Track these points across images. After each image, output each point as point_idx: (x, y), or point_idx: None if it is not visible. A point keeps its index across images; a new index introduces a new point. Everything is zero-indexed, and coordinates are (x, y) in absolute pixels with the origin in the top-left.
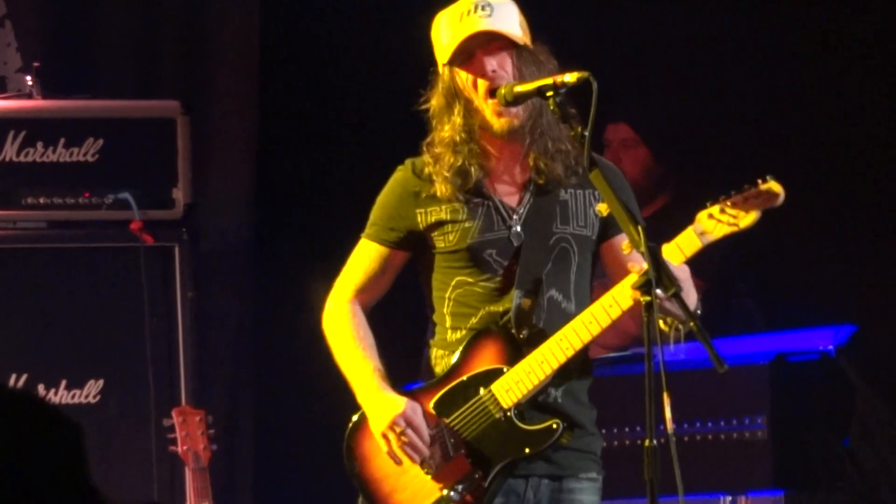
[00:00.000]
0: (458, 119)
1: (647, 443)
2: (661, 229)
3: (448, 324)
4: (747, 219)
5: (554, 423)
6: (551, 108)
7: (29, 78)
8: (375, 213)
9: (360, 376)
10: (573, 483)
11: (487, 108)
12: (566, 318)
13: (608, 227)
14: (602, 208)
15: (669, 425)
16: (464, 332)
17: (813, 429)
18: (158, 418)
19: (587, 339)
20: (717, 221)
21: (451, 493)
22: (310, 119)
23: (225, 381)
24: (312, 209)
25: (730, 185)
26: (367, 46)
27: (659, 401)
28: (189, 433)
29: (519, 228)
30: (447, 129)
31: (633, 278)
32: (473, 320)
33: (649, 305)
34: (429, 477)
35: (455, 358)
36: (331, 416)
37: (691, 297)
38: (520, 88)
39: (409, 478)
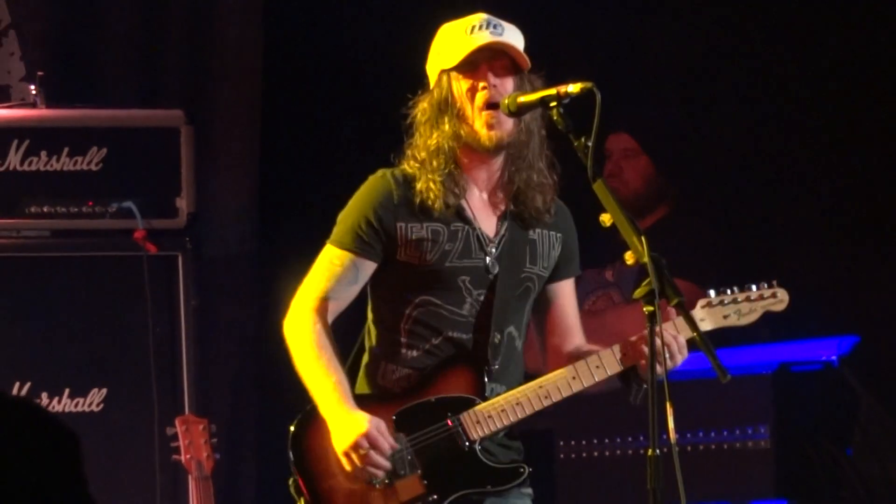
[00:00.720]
0: (447, 127)
1: (650, 452)
2: (662, 239)
3: (403, 340)
4: (750, 317)
5: (521, 467)
6: (555, 118)
7: (33, 87)
8: (349, 220)
9: (321, 390)
10: (514, 499)
11: (479, 119)
12: (517, 354)
13: (560, 269)
14: (605, 218)
15: (672, 435)
16: (421, 352)
17: (815, 439)
18: (161, 427)
19: (567, 394)
20: (720, 315)
21: None
22: (312, 128)
23: (228, 389)
24: (315, 218)
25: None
26: (370, 56)
27: (662, 410)
28: (192, 442)
29: (493, 259)
30: (435, 136)
31: (619, 347)
32: (434, 341)
33: (652, 316)
34: (379, 489)
35: (417, 375)
36: None
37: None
38: (523, 99)
39: (356, 482)
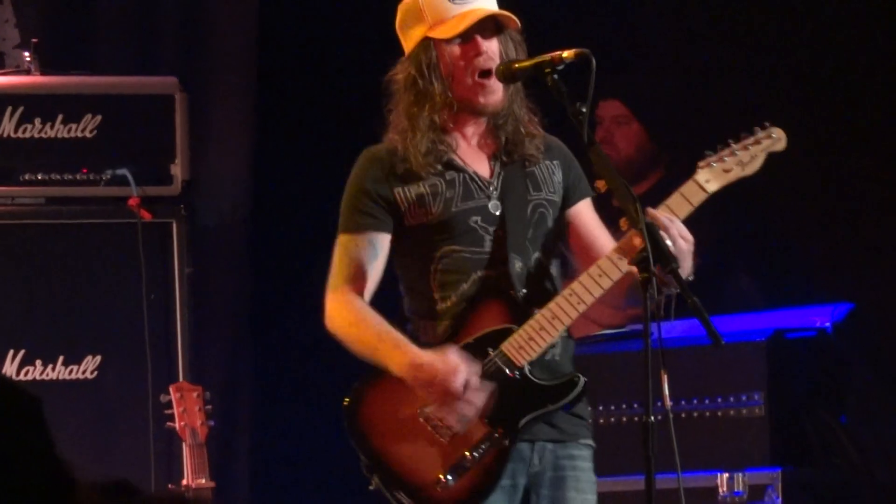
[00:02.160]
0: (437, 95)
1: (645, 419)
2: (655, 205)
3: (437, 294)
4: (753, 164)
5: (575, 377)
6: (549, 84)
7: (27, 54)
8: (349, 203)
9: (385, 352)
10: (574, 449)
11: (474, 87)
12: (550, 278)
13: (570, 194)
14: (601, 185)
15: (667, 402)
16: (454, 299)
17: (810, 406)
18: (156, 394)
19: (598, 293)
20: (721, 169)
21: (473, 455)
22: (308, 95)
23: (222, 357)
24: (310, 185)
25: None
26: (366, 22)
27: (657, 378)
28: (186, 409)
29: (496, 198)
30: (419, 103)
31: (634, 235)
32: (465, 286)
33: (647, 281)
34: (444, 441)
35: (452, 322)
36: (329, 392)
37: (687, 264)
38: (518, 65)
39: (422, 443)
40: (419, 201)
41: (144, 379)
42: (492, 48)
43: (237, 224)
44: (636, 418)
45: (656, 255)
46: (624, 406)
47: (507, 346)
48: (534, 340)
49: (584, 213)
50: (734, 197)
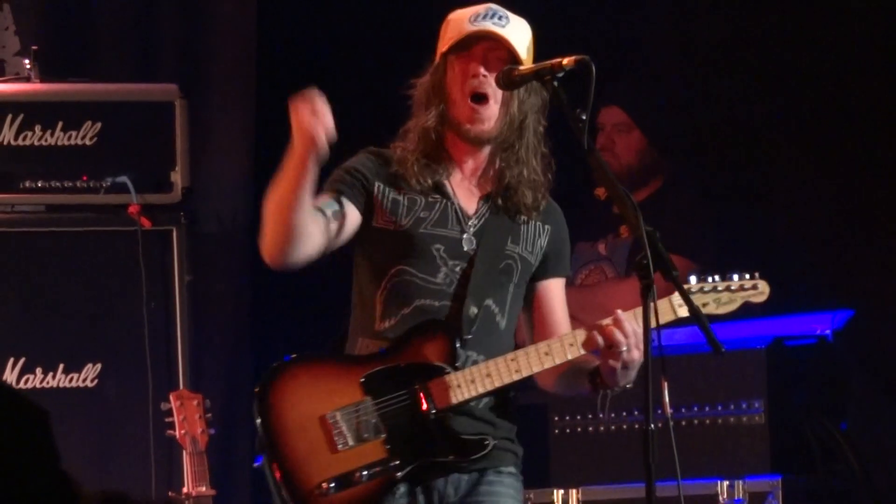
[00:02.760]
0: (434, 110)
1: (645, 427)
2: (655, 213)
3: (378, 311)
4: (728, 306)
5: (486, 440)
6: (549, 91)
7: (27, 61)
8: (333, 176)
9: (284, 168)
10: (492, 476)
11: (464, 109)
12: (497, 330)
13: (547, 266)
14: (601, 192)
15: (667, 410)
16: (393, 322)
17: (810, 413)
18: (156, 402)
19: (538, 369)
20: (700, 302)
21: (362, 474)
22: None
23: (222, 365)
24: None
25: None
26: (366, 30)
27: (657, 385)
28: (187, 417)
29: (471, 235)
30: (424, 117)
31: (595, 333)
32: (406, 311)
33: (647, 289)
34: (339, 450)
35: (390, 343)
36: None
37: (631, 375)
38: (518, 72)
39: (319, 443)
40: (392, 207)
41: (145, 387)
42: (491, 77)
43: (237, 231)
44: (636, 426)
45: (657, 264)
46: (624, 413)
47: (434, 384)
48: (461, 388)
49: (554, 291)
50: (734, 204)
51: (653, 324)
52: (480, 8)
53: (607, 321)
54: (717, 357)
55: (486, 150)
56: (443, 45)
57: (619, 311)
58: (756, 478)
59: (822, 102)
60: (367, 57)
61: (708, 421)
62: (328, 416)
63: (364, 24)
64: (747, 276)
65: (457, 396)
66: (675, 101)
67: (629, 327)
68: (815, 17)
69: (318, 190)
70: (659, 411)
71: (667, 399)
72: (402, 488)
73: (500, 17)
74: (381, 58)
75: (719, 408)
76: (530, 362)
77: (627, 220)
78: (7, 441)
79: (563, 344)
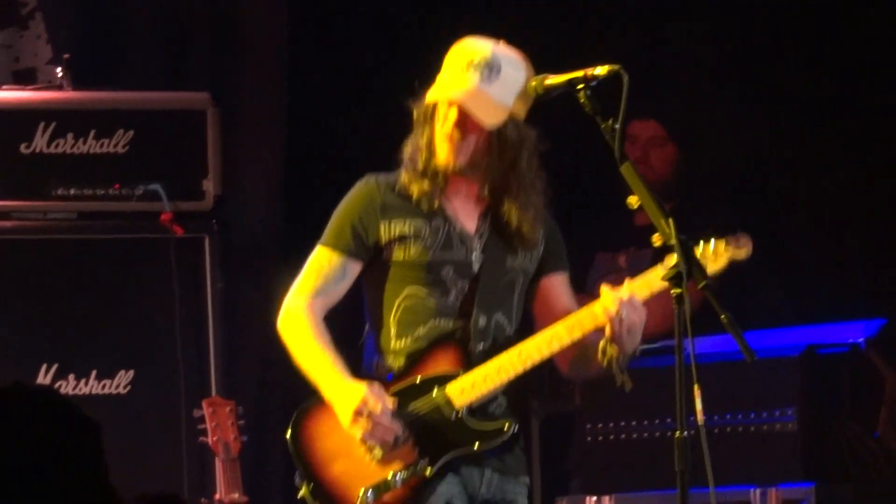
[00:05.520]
0: (424, 136)
1: (677, 434)
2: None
3: (393, 331)
4: (716, 265)
5: (506, 424)
6: (581, 101)
7: (59, 69)
8: (337, 222)
9: (320, 369)
10: (514, 485)
11: (441, 146)
12: (508, 340)
13: (545, 264)
14: (632, 201)
15: (700, 417)
16: (408, 341)
17: (843, 421)
18: (188, 409)
19: (546, 354)
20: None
21: (396, 478)
22: (339, 110)
23: (254, 371)
24: (341, 199)
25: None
26: (398, 35)
27: (689, 393)
28: (219, 424)
29: (478, 254)
30: (420, 139)
31: (596, 305)
32: (420, 330)
33: (680, 298)
34: (373, 461)
35: (406, 361)
36: None
37: (635, 340)
38: (550, 81)
39: (354, 461)
40: (400, 239)
41: (177, 394)
42: (468, 137)
43: (269, 239)
44: (669, 433)
45: (689, 271)
46: (657, 421)
47: (450, 388)
48: (475, 386)
49: (556, 285)
50: (766, 212)
51: (685, 332)
52: (478, 55)
53: (601, 298)
54: (749, 365)
55: (476, 175)
56: (438, 81)
57: (604, 285)
58: (789, 485)
59: (855, 110)
60: (400, 66)
61: (741, 428)
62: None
63: (396, 31)
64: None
65: (474, 393)
66: (709, 115)
67: (615, 295)
68: (851, 28)
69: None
70: (692, 419)
71: (699, 406)
72: (438, 486)
73: (491, 73)
74: (412, 64)
75: (752, 415)
76: (539, 348)
77: (659, 228)
78: (59, 452)
79: (566, 325)
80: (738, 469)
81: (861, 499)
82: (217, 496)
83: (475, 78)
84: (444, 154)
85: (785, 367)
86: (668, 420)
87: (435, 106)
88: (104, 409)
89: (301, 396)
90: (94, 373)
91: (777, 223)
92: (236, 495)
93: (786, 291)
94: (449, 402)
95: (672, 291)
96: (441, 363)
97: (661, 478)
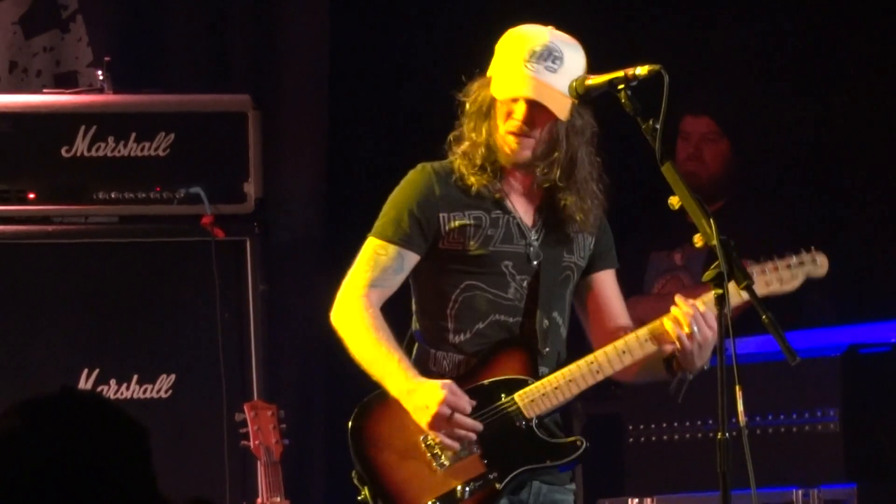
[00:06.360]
0: (483, 131)
1: (719, 436)
2: (730, 221)
3: (451, 325)
4: (792, 283)
5: (578, 441)
6: (622, 101)
7: (100, 72)
8: (391, 213)
9: (387, 369)
10: (562, 494)
11: (503, 140)
12: (561, 340)
13: (595, 261)
14: (674, 201)
15: (742, 418)
16: (469, 336)
17: (885, 421)
18: (230, 413)
19: (618, 367)
20: (763, 282)
21: (465, 490)
22: (381, 113)
23: (296, 375)
24: (383, 201)
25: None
26: (438, 38)
27: (731, 394)
28: (261, 428)
29: (537, 248)
30: (476, 133)
31: (665, 321)
32: (481, 325)
33: (721, 298)
34: (439, 470)
35: (468, 360)
36: None
37: (706, 355)
38: (591, 81)
39: (419, 468)
40: (460, 230)
41: (218, 397)
42: (534, 127)
43: (311, 241)
44: (711, 434)
45: (730, 273)
46: (699, 422)
47: (521, 397)
48: (547, 397)
49: (607, 282)
50: (810, 211)
51: (727, 333)
52: (537, 42)
53: (673, 310)
54: (791, 365)
55: (533, 171)
56: (494, 78)
57: (678, 297)
58: (831, 486)
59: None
60: (442, 63)
61: (783, 429)
62: (421, 441)
63: (437, 32)
64: (804, 250)
65: (544, 404)
66: (762, 111)
67: (693, 310)
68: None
69: (366, 220)
70: (733, 420)
71: (741, 408)
72: (504, 501)
73: (554, 60)
74: (455, 64)
75: (794, 416)
76: (610, 361)
77: (701, 229)
78: (109, 459)
79: (639, 339)
80: (780, 470)
81: None
82: (259, 500)
83: (540, 69)
84: (508, 149)
85: (827, 368)
86: (710, 421)
87: (493, 100)
88: (145, 414)
89: (344, 400)
90: (135, 377)
91: (819, 221)
92: (278, 499)
93: (827, 291)
94: (519, 411)
95: (713, 292)
96: (508, 366)
97: (703, 479)
